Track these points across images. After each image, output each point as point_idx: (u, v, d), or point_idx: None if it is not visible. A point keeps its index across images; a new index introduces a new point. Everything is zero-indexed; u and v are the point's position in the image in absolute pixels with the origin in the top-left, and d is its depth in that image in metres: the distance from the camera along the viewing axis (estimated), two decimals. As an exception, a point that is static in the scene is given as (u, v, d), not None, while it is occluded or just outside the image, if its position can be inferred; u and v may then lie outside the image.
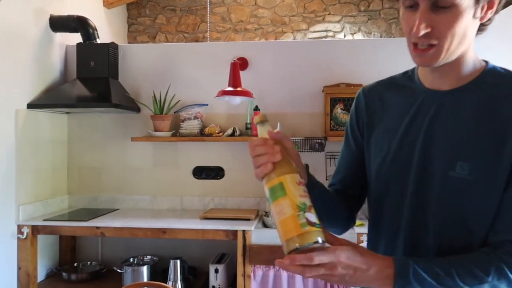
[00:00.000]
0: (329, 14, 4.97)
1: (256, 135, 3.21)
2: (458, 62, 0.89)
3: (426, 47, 0.84)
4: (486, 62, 0.93)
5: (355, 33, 4.93)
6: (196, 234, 2.66)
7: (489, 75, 0.90)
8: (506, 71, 0.91)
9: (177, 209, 3.23)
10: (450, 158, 0.86)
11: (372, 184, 1.01)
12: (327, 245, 0.78)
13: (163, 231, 2.68)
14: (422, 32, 0.82)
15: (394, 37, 4.78)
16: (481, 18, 0.86)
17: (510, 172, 0.82)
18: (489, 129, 0.85)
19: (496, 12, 0.87)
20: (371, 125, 1.02)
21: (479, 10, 0.84)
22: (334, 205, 1.02)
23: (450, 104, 0.90)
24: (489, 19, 0.88)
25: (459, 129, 0.87)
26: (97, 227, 2.70)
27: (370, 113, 1.03)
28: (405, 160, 0.92)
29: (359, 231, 2.56)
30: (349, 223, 1.08)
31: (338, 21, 4.96)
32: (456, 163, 0.85)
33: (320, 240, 0.76)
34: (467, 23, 0.83)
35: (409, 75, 1.01)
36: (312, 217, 0.77)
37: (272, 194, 0.80)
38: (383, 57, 3.06)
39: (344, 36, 4.94)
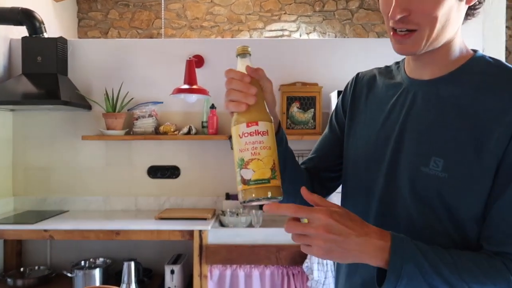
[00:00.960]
0: (285, 13, 5.00)
1: (213, 134, 3.13)
2: (443, 50, 0.81)
3: (405, 33, 0.77)
4: (475, 51, 0.85)
5: (310, 32, 5.00)
6: (151, 235, 2.59)
7: (476, 64, 0.81)
8: (495, 60, 0.82)
9: (131, 209, 3.14)
10: (424, 152, 0.79)
11: (345, 174, 0.97)
12: (279, 198, 0.74)
13: (117, 232, 2.59)
14: (397, 16, 0.74)
15: (348, 37, 4.88)
16: (467, 1, 0.78)
17: (496, 174, 0.74)
18: (469, 123, 0.76)
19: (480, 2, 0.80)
20: (354, 112, 0.98)
21: None
22: (296, 177, 0.93)
23: (427, 94, 0.83)
24: (479, 2, 0.80)
25: (436, 122, 0.80)
26: (45, 230, 2.58)
27: (356, 99, 0.98)
28: (379, 153, 0.87)
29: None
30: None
31: (294, 21, 5.00)
32: (430, 158, 0.78)
33: (252, 198, 0.74)
34: (450, 6, 0.75)
35: (398, 66, 0.95)
36: (248, 173, 0.74)
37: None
38: (338, 56, 3.11)
39: (300, 36, 4.99)
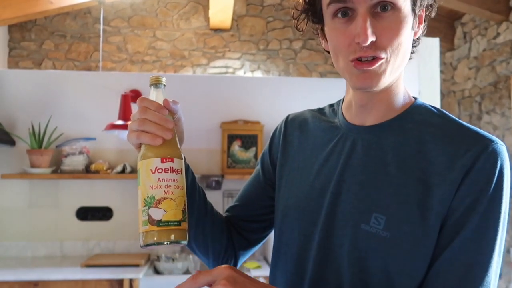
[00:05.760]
0: (229, 50, 4.99)
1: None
2: (388, 91, 0.75)
3: (372, 59, 0.69)
4: (415, 98, 0.80)
5: (254, 70, 5.00)
6: (75, 286, 2.34)
7: (417, 112, 0.76)
8: (438, 110, 0.76)
9: (56, 256, 2.85)
10: (365, 207, 0.71)
11: (277, 228, 0.86)
12: (183, 243, 0.70)
13: (35, 283, 2.32)
14: (370, 39, 0.67)
15: (291, 76, 4.93)
16: (415, 33, 0.75)
17: (440, 230, 0.68)
18: (412, 177, 0.69)
19: (418, 38, 0.78)
20: (285, 159, 0.88)
21: (416, 22, 0.73)
22: (211, 225, 0.87)
23: (367, 142, 0.75)
24: (418, 38, 0.77)
25: (377, 173, 0.72)
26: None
27: (287, 144, 0.89)
28: (314, 206, 0.77)
29: (255, 274, 2.45)
30: (221, 257, 0.90)
31: (238, 58, 5.00)
32: (371, 215, 0.69)
33: (153, 242, 0.68)
34: (409, 33, 0.72)
35: (333, 108, 0.87)
36: (158, 213, 0.68)
37: (137, 179, 0.72)
38: (281, 95, 3.09)
39: (244, 73, 4.98)
